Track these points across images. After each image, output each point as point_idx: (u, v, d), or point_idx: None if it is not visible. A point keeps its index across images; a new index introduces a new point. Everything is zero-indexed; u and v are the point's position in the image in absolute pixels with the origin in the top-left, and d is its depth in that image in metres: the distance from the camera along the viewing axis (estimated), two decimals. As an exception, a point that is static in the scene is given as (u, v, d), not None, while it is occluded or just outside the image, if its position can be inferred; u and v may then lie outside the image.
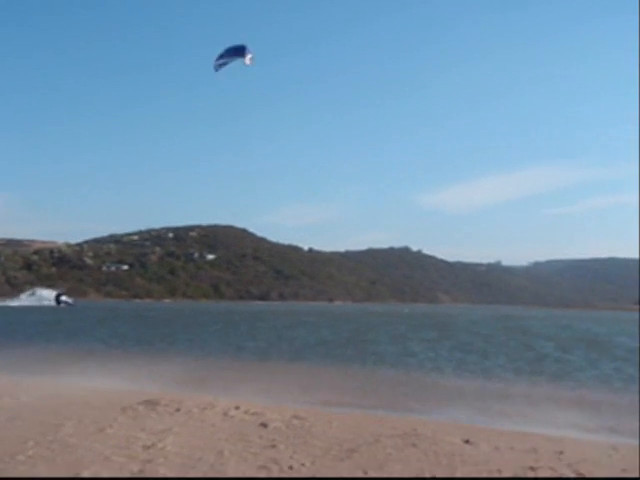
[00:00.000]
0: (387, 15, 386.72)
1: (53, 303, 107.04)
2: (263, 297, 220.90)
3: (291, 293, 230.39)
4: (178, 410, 12.33)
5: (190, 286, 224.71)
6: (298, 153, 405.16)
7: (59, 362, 23.50)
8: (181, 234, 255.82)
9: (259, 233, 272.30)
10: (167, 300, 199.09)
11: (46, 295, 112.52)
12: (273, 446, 9.40)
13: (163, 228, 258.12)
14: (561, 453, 9.57)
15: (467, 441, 10.06)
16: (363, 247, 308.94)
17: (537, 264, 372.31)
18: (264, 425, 10.98)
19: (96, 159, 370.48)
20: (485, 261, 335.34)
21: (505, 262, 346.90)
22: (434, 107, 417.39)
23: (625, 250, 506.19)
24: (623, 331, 55.09)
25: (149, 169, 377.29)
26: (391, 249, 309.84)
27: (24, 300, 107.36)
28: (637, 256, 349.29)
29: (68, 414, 11.57)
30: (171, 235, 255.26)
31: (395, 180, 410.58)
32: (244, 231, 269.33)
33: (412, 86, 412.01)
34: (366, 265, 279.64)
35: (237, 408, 12.70)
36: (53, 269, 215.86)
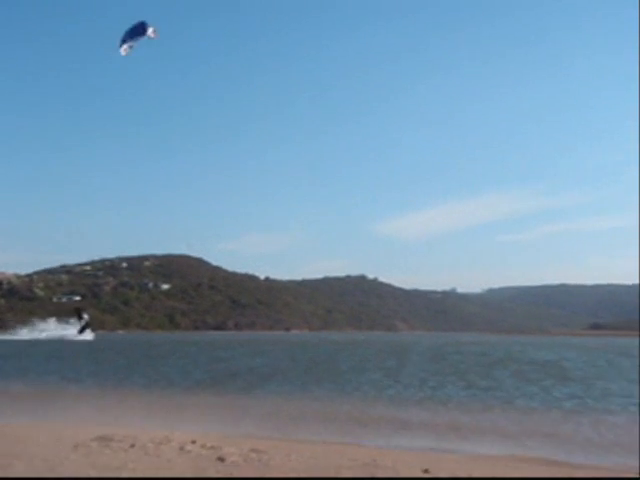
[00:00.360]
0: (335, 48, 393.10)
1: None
2: (219, 327, 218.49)
3: (248, 322, 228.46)
4: (133, 446, 12.05)
5: (144, 317, 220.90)
6: (254, 181, 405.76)
7: (8, 400, 22.76)
8: (135, 264, 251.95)
9: (215, 262, 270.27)
10: (121, 331, 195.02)
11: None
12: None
13: (117, 258, 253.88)
14: (518, 480, 9.67)
15: (426, 470, 10.09)
16: (319, 275, 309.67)
17: (491, 291, 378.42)
18: (221, 459, 10.81)
19: (46, 189, 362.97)
20: (440, 288, 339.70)
21: (460, 289, 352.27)
22: (388, 134, 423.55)
23: (576, 276, 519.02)
24: (576, 357, 56.21)
25: (102, 198, 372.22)
26: (347, 277, 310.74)
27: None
28: (587, 282, 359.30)
29: (17, 453, 11.19)
30: (125, 265, 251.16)
31: (350, 208, 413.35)
32: (199, 260, 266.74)
33: (365, 114, 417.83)
34: (323, 293, 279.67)
35: (193, 442, 12.48)
36: (2, 301, 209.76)
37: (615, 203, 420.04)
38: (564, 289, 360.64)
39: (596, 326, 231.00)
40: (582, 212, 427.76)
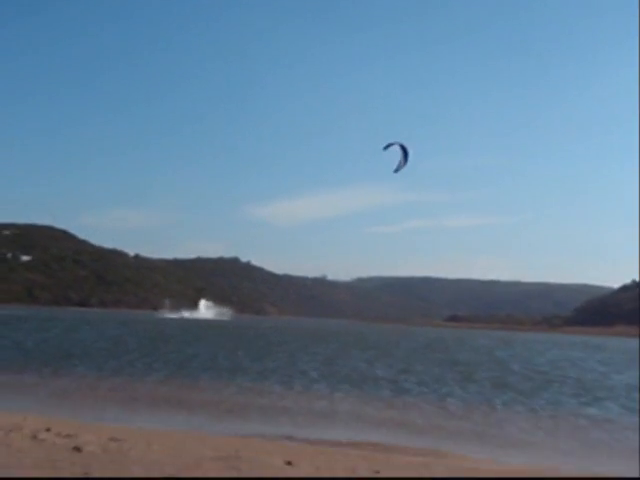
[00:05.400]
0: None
1: None
2: (82, 303, 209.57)
3: (113, 300, 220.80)
4: (-21, 433, 11.24)
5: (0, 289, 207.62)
6: (126, 153, 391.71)
7: None
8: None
9: (81, 235, 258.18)
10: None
11: None
12: (86, 473, 8.79)
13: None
14: (377, 472, 9.96)
15: (289, 462, 10.15)
16: (192, 255, 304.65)
17: (359, 280, 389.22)
18: (78, 449, 10.28)
19: None
20: (311, 275, 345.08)
21: (330, 277, 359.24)
22: (264, 118, 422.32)
23: (438, 270, 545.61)
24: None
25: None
26: (221, 259, 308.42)
27: None
28: (449, 276, 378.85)
29: None
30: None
31: (226, 189, 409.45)
32: (64, 232, 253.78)
33: (245, 96, 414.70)
34: (194, 274, 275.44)
35: (48, 430, 11.81)
36: None
37: (475, 204, 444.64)
38: (427, 282, 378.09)
39: (454, 318, 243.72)
40: (445, 209, 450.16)
